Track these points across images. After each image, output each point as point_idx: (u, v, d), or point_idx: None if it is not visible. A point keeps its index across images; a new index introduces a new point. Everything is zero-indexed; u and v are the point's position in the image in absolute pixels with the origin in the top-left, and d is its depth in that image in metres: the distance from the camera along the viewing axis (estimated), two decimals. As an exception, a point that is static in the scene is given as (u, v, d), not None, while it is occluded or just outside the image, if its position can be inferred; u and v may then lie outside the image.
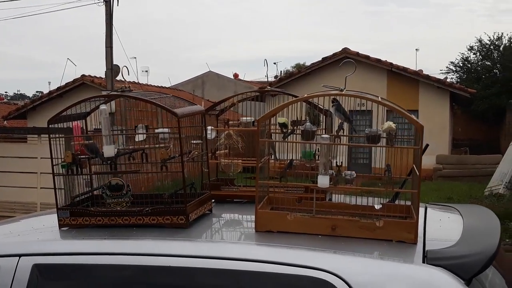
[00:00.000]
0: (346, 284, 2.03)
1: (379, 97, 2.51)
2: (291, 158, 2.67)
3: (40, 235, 2.64)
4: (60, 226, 2.63)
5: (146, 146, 2.70)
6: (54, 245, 2.52)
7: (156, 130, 2.68)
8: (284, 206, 2.60)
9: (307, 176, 2.82)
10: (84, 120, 2.78)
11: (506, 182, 14.11)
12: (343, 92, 2.42)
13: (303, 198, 2.70)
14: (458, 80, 31.15)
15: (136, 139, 2.73)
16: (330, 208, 2.60)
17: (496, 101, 27.29)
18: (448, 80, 27.16)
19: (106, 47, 16.16)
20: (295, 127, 2.73)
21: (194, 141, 2.78)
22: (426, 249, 2.20)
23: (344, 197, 2.93)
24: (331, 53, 21.27)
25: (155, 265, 2.25)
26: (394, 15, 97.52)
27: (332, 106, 2.54)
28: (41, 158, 12.12)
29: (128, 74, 2.65)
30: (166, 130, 2.66)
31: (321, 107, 2.86)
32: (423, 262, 2.12)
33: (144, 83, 26.31)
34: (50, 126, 2.59)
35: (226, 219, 2.93)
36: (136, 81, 25.20)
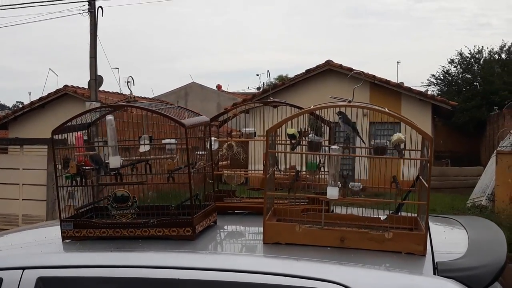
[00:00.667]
0: None
1: (386, 108, 2.52)
2: (297, 169, 2.66)
3: (44, 248, 2.60)
4: (63, 238, 2.59)
5: (152, 157, 2.67)
6: (60, 258, 2.47)
7: (163, 141, 2.66)
8: (290, 217, 2.58)
9: (314, 187, 2.82)
10: (87, 131, 2.74)
11: (488, 194, 14.22)
12: (351, 104, 2.42)
13: (307, 210, 2.69)
14: (439, 92, 31.51)
15: (141, 150, 2.70)
16: (336, 220, 2.59)
17: (476, 114, 27.64)
18: (429, 92, 27.41)
19: (90, 57, 16.07)
20: (300, 139, 2.72)
21: (198, 152, 2.76)
22: (436, 261, 2.20)
23: (346, 209, 2.92)
24: (315, 65, 21.36)
25: (163, 278, 2.22)
26: (374, 28, 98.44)
27: (339, 118, 2.55)
28: (23, 169, 12.00)
29: (134, 85, 2.63)
30: (173, 140, 2.63)
31: (325, 118, 2.87)
32: (434, 274, 2.12)
33: (128, 93, 26.17)
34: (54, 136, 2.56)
35: (232, 231, 2.91)
36: (119, 92, 25.09)
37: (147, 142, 2.73)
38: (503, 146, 15.75)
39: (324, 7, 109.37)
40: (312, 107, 2.53)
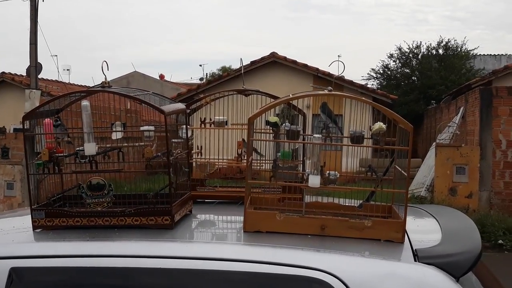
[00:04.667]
0: (342, 284, 2.03)
1: (363, 98, 2.55)
2: (275, 158, 2.65)
3: (15, 237, 2.49)
4: (34, 227, 2.49)
5: (125, 144, 2.60)
6: (33, 247, 2.37)
7: (141, 128, 2.59)
8: (265, 206, 2.58)
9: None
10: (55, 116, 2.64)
11: (427, 185, 14.65)
12: (331, 92, 2.43)
13: (284, 199, 2.69)
14: (379, 86, 32.15)
15: (113, 137, 2.62)
16: (312, 208, 2.60)
17: (414, 107, 28.35)
18: (369, 86, 27.94)
19: (30, 43, 15.50)
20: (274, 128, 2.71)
21: (174, 140, 2.70)
22: (414, 248, 2.25)
23: (317, 198, 2.93)
24: (259, 57, 21.44)
25: (143, 267, 2.17)
26: (315, 22, 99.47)
27: (320, 108, 2.55)
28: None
29: (108, 70, 2.54)
30: (151, 127, 2.57)
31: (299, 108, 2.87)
32: (415, 260, 2.16)
33: (66, 81, 25.57)
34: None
35: (209, 219, 2.87)
36: (58, 80, 24.45)
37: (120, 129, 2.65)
38: (442, 139, 16.27)
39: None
40: (291, 95, 2.52)
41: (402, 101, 27.91)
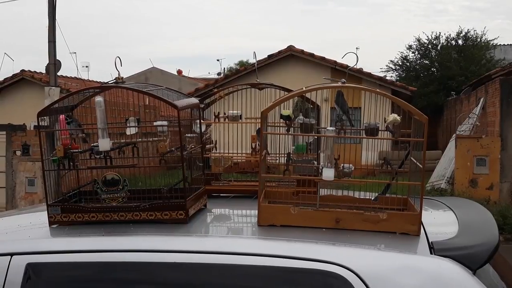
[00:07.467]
0: (358, 277, 2.02)
1: (377, 89, 2.53)
2: (289, 152, 2.64)
3: (31, 233, 2.52)
4: (51, 223, 2.51)
5: (139, 139, 2.61)
6: (49, 243, 2.39)
7: (155, 123, 2.60)
8: (280, 200, 2.57)
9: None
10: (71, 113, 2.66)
11: (447, 177, 14.52)
12: (345, 85, 2.41)
13: (298, 192, 2.68)
14: (398, 78, 31.88)
15: (128, 133, 2.63)
16: (326, 201, 2.58)
17: (434, 99, 28.10)
18: (388, 78, 27.73)
19: (49, 41, 15.56)
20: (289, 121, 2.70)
21: (188, 135, 2.71)
22: (430, 240, 2.22)
23: (331, 191, 2.91)
24: (276, 51, 21.39)
25: (158, 262, 2.17)
26: (333, 14, 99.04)
27: (335, 98, 2.54)
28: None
29: (121, 65, 2.55)
30: (164, 122, 2.58)
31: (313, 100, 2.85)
32: (431, 253, 2.14)
33: (85, 78, 25.75)
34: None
35: (223, 214, 2.87)
36: (77, 77, 24.63)
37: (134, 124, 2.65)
38: (462, 131, 16.11)
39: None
40: (304, 88, 2.51)
41: (421, 92, 27.67)
